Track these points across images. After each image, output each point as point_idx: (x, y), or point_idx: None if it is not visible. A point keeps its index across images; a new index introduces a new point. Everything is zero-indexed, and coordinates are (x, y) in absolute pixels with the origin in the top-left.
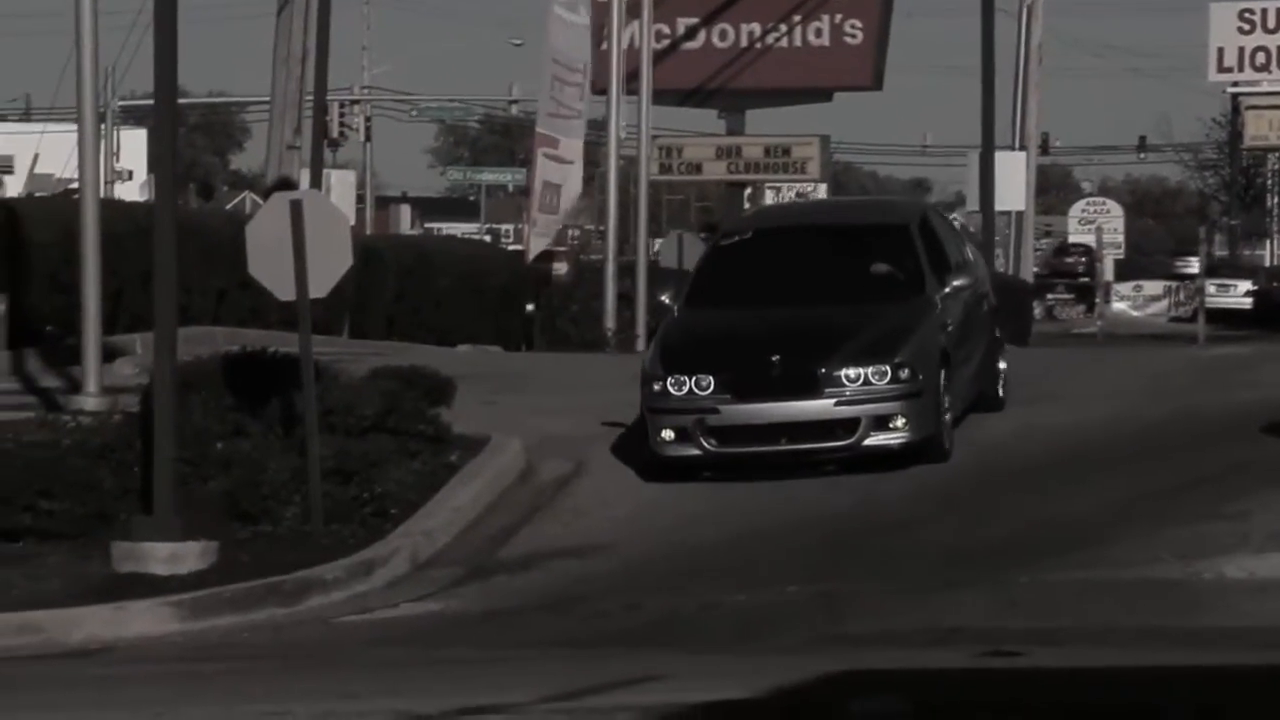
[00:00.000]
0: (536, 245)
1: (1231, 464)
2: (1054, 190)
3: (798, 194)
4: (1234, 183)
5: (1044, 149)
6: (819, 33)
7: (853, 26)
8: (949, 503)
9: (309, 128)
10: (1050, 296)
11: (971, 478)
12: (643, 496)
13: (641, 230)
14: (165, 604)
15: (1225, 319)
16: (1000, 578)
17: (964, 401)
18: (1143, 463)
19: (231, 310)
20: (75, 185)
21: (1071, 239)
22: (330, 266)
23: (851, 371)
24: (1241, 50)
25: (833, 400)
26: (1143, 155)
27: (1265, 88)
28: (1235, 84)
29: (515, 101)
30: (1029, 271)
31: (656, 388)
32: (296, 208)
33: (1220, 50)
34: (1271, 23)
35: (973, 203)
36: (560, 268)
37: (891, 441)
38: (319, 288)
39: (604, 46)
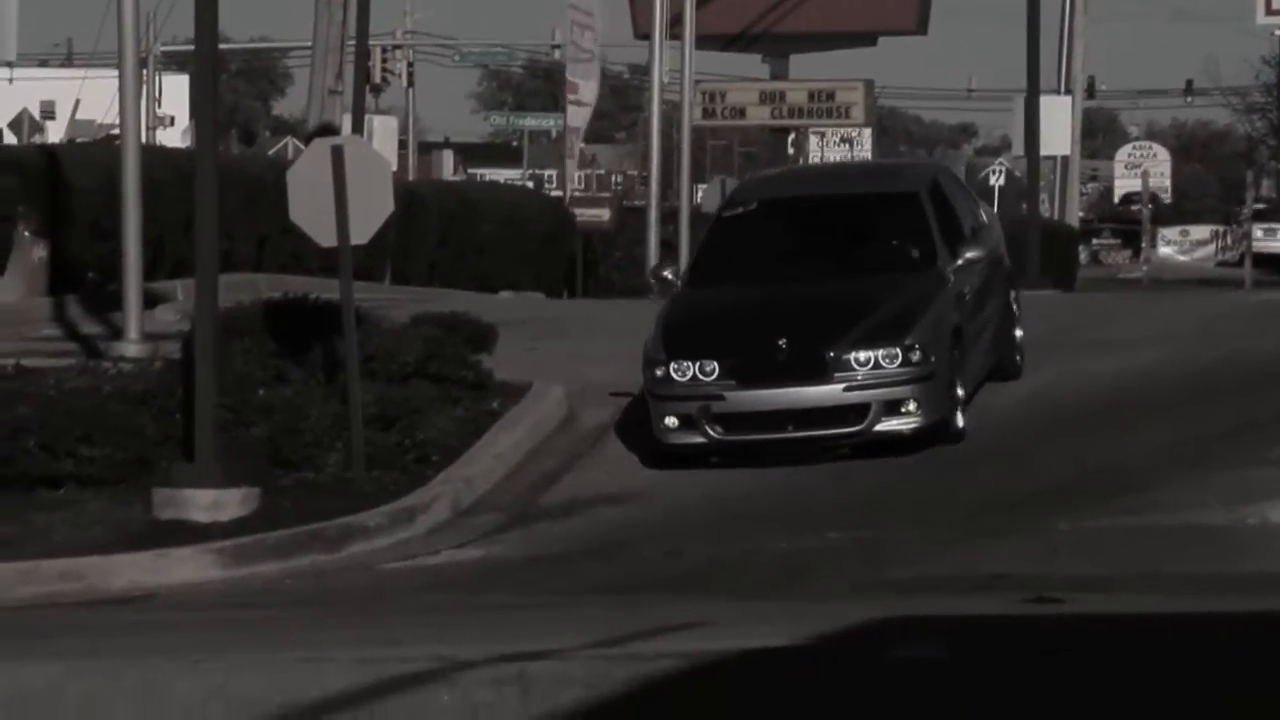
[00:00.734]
0: (568, 190)
1: (1277, 410)
2: (1100, 135)
3: (842, 138)
4: None
5: (1090, 93)
6: None
7: None
8: (991, 450)
9: (351, 73)
10: (1096, 242)
11: (1014, 425)
12: None
13: (684, 176)
14: (207, 551)
15: (1273, 264)
16: (1043, 524)
17: (977, 379)
18: (1188, 408)
19: (273, 256)
20: (117, 131)
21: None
22: (372, 212)
23: (861, 355)
24: None
25: (842, 385)
26: (1190, 99)
27: None
28: None
29: (558, 46)
30: (1074, 216)
31: (659, 373)
32: (338, 153)
33: None
34: None
35: (1018, 148)
36: (602, 214)
37: (903, 427)
38: (360, 234)
39: None
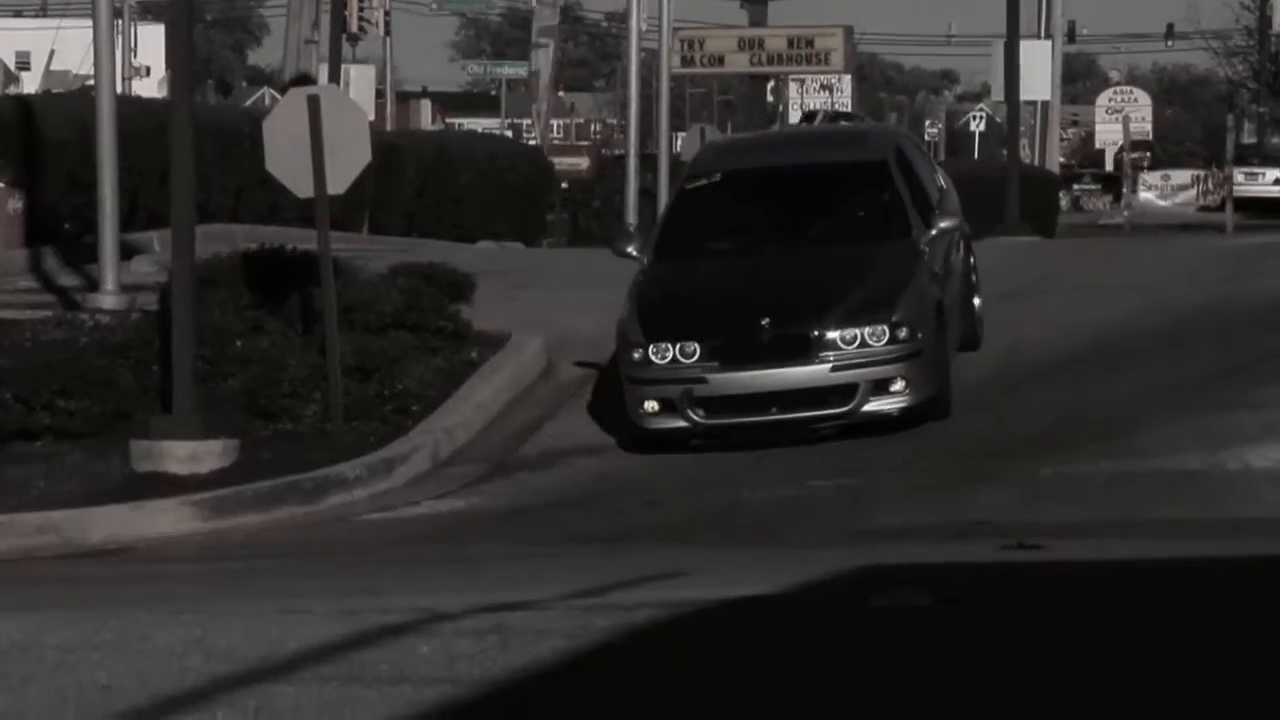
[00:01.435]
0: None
1: (1258, 354)
2: (1080, 80)
3: (822, 85)
4: (1263, 70)
5: (1070, 37)
6: None
7: None
8: (973, 399)
9: (327, 22)
10: (1077, 187)
11: (995, 372)
12: None
13: (663, 124)
14: (185, 503)
15: (1254, 208)
16: (1024, 471)
17: (953, 354)
18: (1169, 353)
19: (250, 207)
20: (92, 82)
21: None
22: (348, 162)
23: (846, 333)
24: None
25: (828, 365)
26: (1170, 43)
27: None
28: None
29: None
30: (1054, 162)
31: (636, 356)
32: (314, 103)
33: None
34: None
35: (998, 93)
36: (580, 163)
37: (891, 406)
38: (337, 184)
39: None
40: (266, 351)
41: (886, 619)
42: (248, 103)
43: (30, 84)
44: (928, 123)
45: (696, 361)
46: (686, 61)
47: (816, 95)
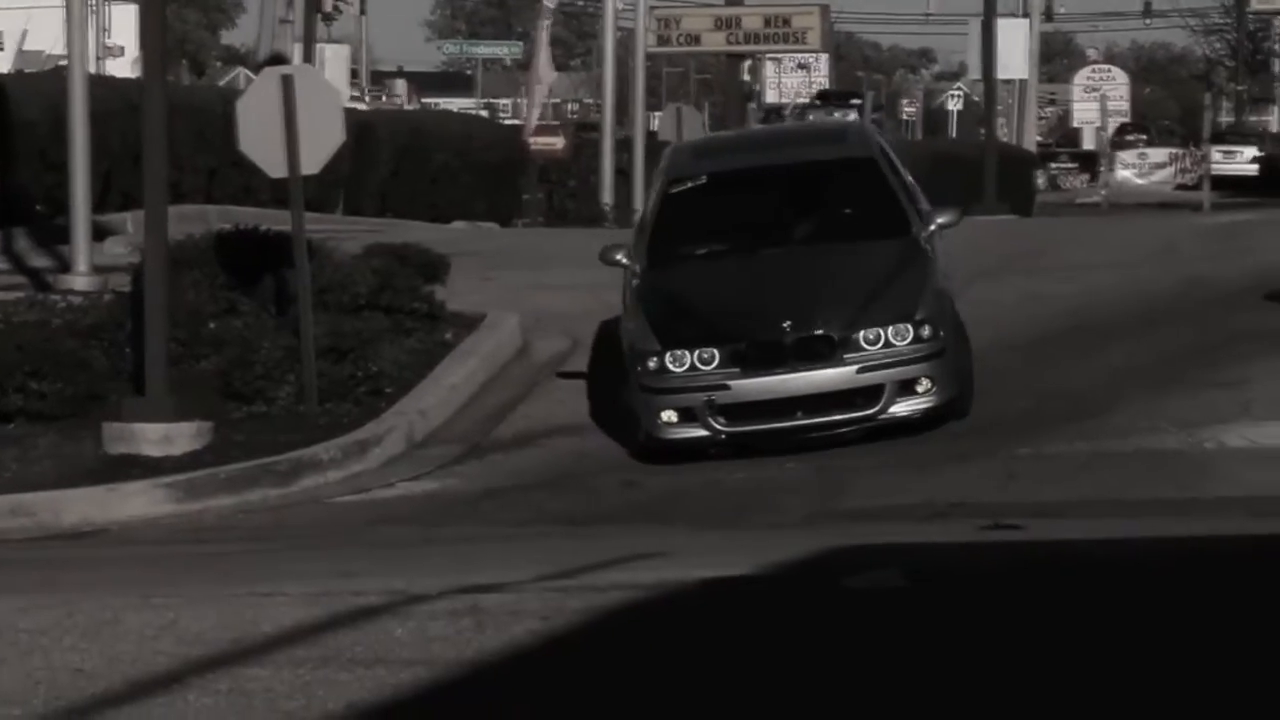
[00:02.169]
0: (534, 119)
1: (1234, 332)
2: (1058, 58)
3: (798, 64)
4: (1240, 48)
5: (1048, 16)
6: None
7: None
8: None
9: (302, 1)
10: (1054, 166)
11: (972, 353)
12: None
13: (639, 104)
14: (158, 485)
15: (1231, 185)
16: (1001, 451)
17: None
18: (1146, 332)
19: (223, 188)
20: (65, 62)
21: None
22: (322, 143)
23: (871, 334)
24: None
25: (855, 367)
26: (1148, 21)
27: None
28: None
29: None
30: (1031, 141)
31: (652, 365)
32: (287, 83)
33: None
34: None
35: (975, 72)
36: (556, 142)
37: (918, 407)
38: (311, 164)
39: None
40: (240, 333)
41: (860, 600)
42: (222, 83)
43: (3, 64)
44: (905, 102)
45: (716, 368)
46: (663, 40)
47: (794, 74)
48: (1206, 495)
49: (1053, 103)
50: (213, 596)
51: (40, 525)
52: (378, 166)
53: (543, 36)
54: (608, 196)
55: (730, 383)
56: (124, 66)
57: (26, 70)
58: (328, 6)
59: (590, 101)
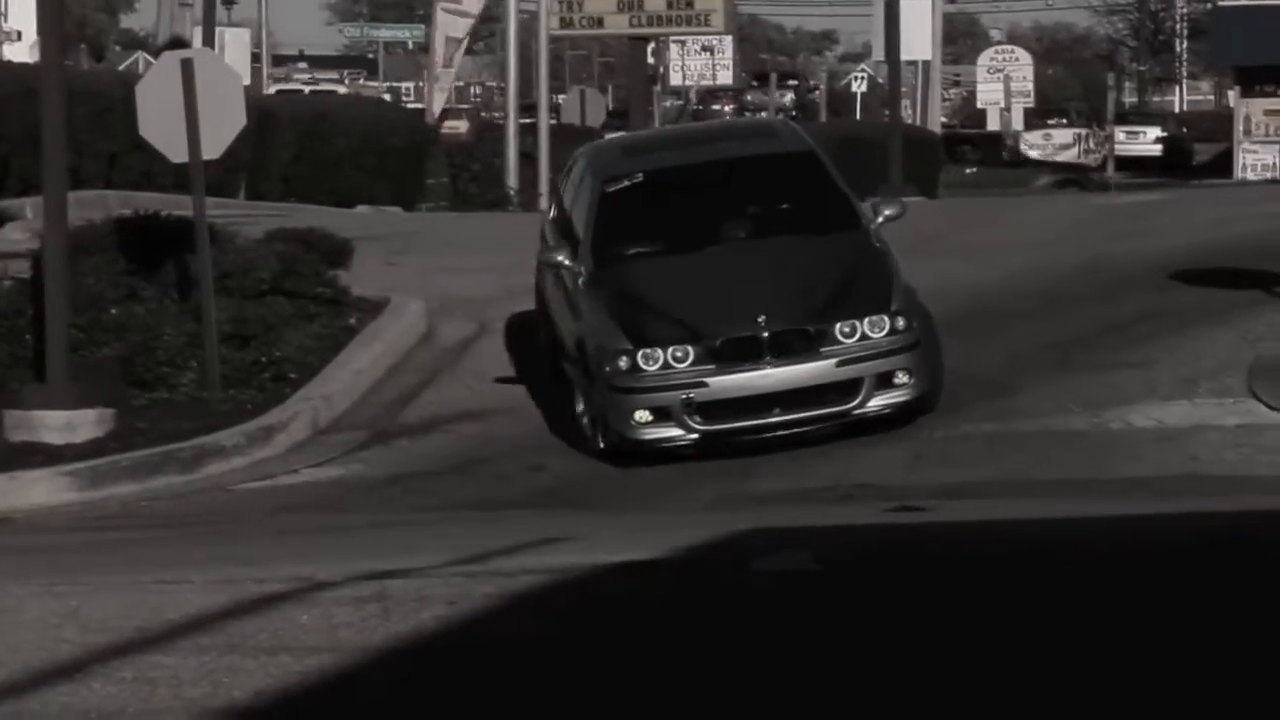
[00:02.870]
0: (438, 103)
1: (1139, 312)
2: (961, 39)
3: (703, 47)
4: (1143, 28)
5: None
6: None
7: None
8: None
9: None
10: (961, 147)
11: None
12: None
13: (543, 87)
14: (61, 473)
15: (1135, 166)
16: (909, 433)
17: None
18: (1051, 313)
19: (124, 173)
20: None
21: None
22: (223, 127)
23: (847, 326)
24: None
25: (833, 361)
26: (1050, 1)
27: None
28: None
29: None
30: (936, 122)
31: (623, 364)
32: (187, 67)
33: None
34: None
35: (879, 53)
36: (460, 126)
37: (895, 400)
38: (212, 149)
39: None
40: (142, 319)
41: (768, 582)
42: (121, 67)
43: None
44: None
45: (690, 365)
46: (565, 23)
47: (698, 57)
48: (1112, 475)
49: (957, 84)
50: (117, 584)
51: None
52: (280, 151)
53: (437, 19)
54: (513, 180)
55: (708, 380)
56: (22, 51)
57: None
58: None
59: (494, 85)
